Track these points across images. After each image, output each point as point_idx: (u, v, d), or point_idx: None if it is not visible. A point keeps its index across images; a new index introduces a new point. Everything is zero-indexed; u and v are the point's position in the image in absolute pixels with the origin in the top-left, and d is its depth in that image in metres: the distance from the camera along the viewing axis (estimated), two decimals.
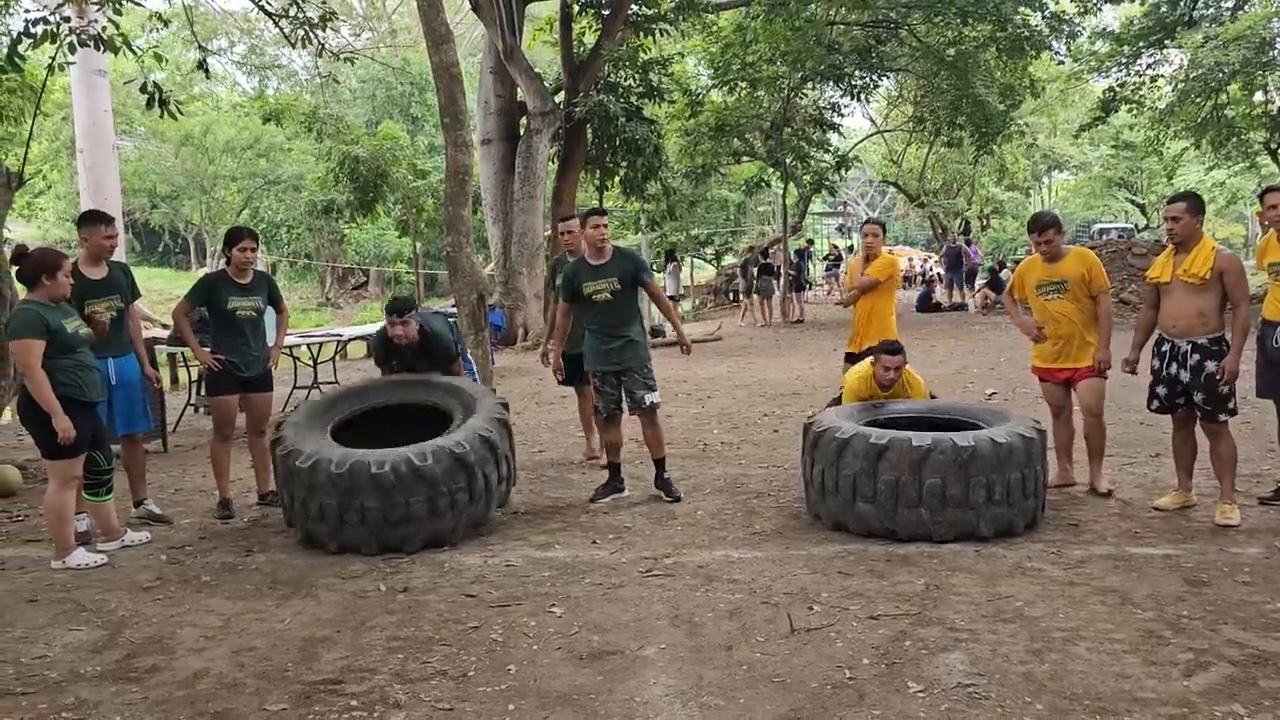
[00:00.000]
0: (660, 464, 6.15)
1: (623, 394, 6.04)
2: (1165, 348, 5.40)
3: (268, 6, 7.80)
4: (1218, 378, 5.16)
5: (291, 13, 7.95)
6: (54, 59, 6.82)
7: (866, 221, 7.66)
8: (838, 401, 6.25)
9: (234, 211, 34.96)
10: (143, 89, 6.47)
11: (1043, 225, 5.90)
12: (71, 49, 6.39)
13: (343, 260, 37.00)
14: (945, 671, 3.46)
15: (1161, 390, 5.44)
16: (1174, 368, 5.33)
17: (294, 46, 8.05)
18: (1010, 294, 6.32)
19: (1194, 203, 5.36)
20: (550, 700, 3.34)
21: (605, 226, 6.02)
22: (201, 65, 8.26)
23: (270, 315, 6.48)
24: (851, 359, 7.19)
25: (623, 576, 4.62)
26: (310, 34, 8.14)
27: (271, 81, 40.68)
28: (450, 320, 6.50)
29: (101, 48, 6.55)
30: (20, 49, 6.45)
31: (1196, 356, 5.22)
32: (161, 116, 6.63)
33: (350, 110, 30.96)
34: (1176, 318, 5.31)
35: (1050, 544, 4.91)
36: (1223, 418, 5.23)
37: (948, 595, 4.22)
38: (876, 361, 5.84)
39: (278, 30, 8.47)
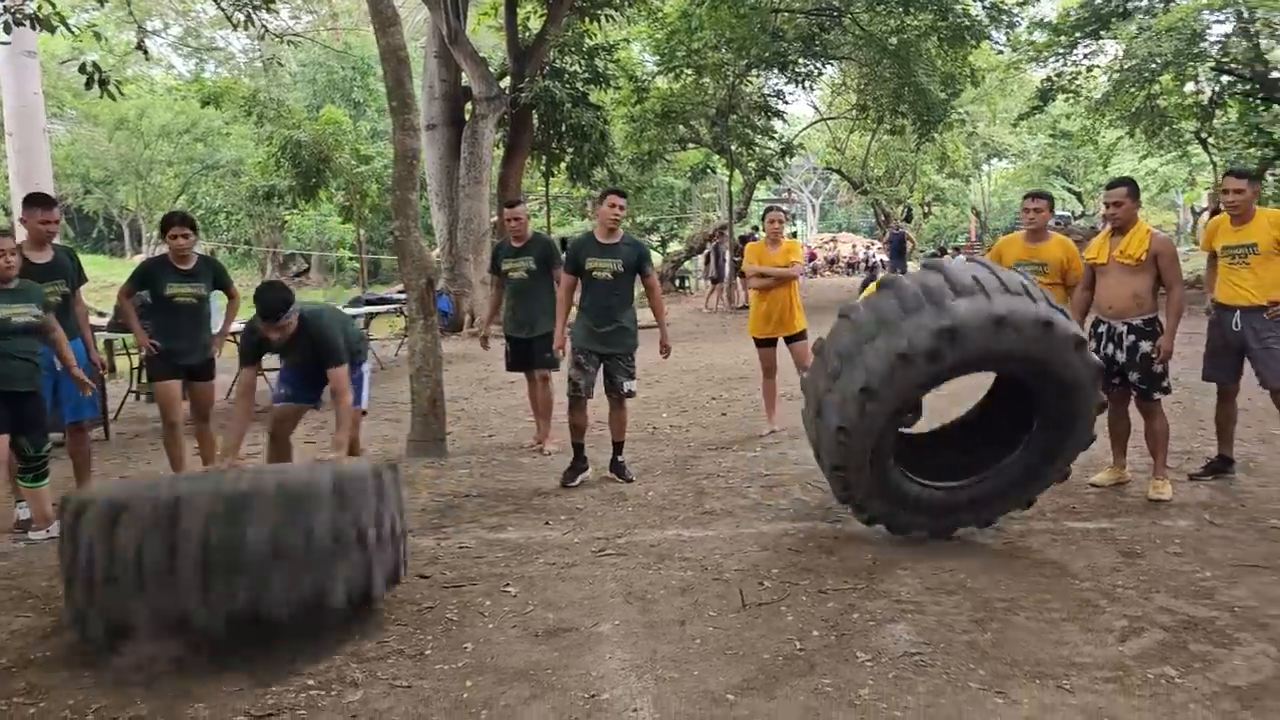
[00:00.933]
0: (619, 447, 6.18)
1: (601, 377, 6.02)
2: (1101, 329, 5.56)
3: None
4: (1153, 357, 5.34)
5: None
6: None
7: (770, 208, 7.78)
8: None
9: (170, 197, 34.20)
10: (81, 69, 6.33)
11: (1037, 194, 5.99)
12: (6, 29, 6.23)
13: (284, 246, 36.41)
14: (892, 641, 3.57)
15: None
16: (1110, 348, 5.49)
17: (235, 28, 7.92)
18: None
19: (1133, 187, 5.52)
20: (508, 676, 3.38)
21: (623, 207, 6.02)
22: (140, 46, 8.09)
23: (222, 300, 6.40)
24: (765, 344, 7.34)
25: (576, 556, 4.67)
26: (252, 15, 8.01)
27: (209, 65, 39.82)
28: (353, 325, 5.73)
29: (37, 27, 6.40)
30: None
31: (1132, 337, 5.39)
32: (101, 97, 6.49)
33: (290, 94, 30.42)
34: (1112, 299, 5.47)
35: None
36: (1156, 396, 5.41)
37: (893, 569, 4.34)
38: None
39: (215, 12, 8.34)
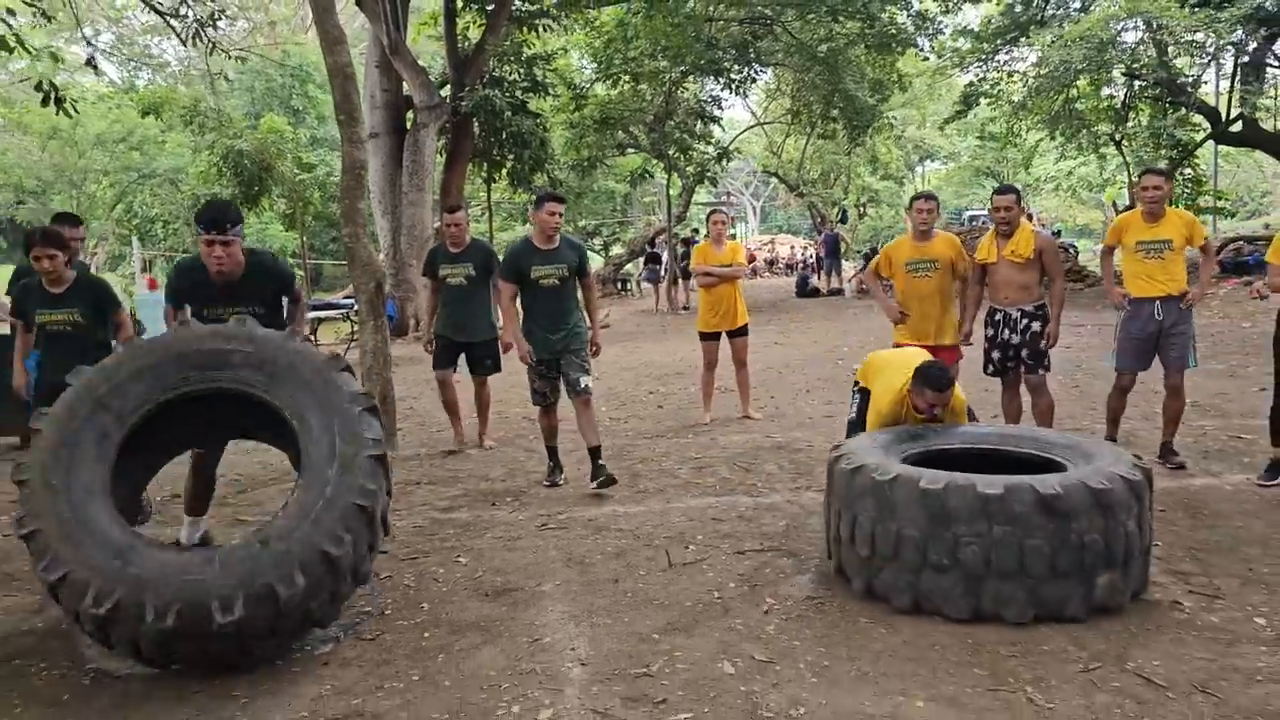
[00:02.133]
0: (596, 452, 5.95)
1: (558, 380, 6.01)
2: (998, 317, 6.17)
3: (158, 5, 7.98)
4: (1040, 335, 5.98)
5: (182, 11, 8.15)
6: None
7: (713, 210, 8.37)
8: (857, 422, 5.12)
9: (106, 207, 33.89)
10: (38, 86, 6.64)
11: (927, 195, 6.30)
12: None
13: None
14: (797, 590, 4.10)
15: (996, 355, 6.22)
16: (1006, 333, 6.12)
17: (185, 44, 8.25)
18: (875, 272, 6.57)
19: (1019, 193, 6.17)
20: (461, 627, 3.84)
21: (560, 214, 5.95)
22: (90, 62, 8.38)
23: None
24: (710, 338, 7.90)
25: (521, 531, 5.14)
26: (202, 31, 8.35)
27: (143, 73, 39.44)
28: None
29: None
30: None
31: (1025, 320, 6.04)
32: (58, 114, 6.80)
33: (228, 102, 30.37)
34: (1006, 291, 6.09)
35: None
36: (1041, 371, 6.05)
37: (804, 533, 4.87)
38: (919, 393, 4.62)
39: (147, 19, 8.61)
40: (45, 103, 6.70)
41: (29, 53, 6.59)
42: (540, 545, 4.87)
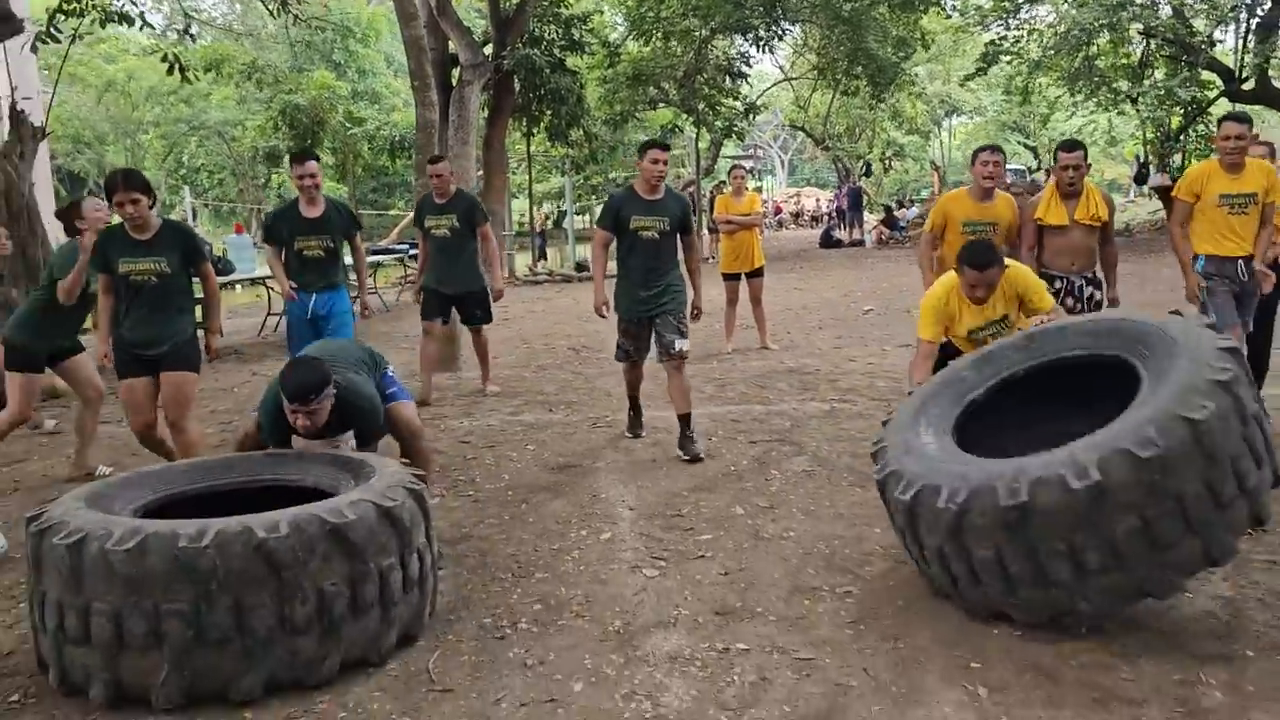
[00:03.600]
0: (685, 421, 5.62)
1: (651, 339, 5.79)
2: (1058, 285, 5.49)
3: None
4: (1101, 304, 5.58)
5: None
6: (76, 30, 8.09)
7: (734, 165, 9.48)
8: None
9: (157, 157, 35.28)
10: (164, 58, 7.78)
11: (993, 147, 5.63)
12: (103, 25, 7.68)
13: (267, 204, 37.55)
14: (795, 466, 5.28)
15: None
16: (1069, 301, 5.50)
17: (274, 15, 9.37)
18: (930, 232, 5.79)
19: (1086, 149, 5.56)
20: (535, 488, 5.05)
21: (665, 162, 5.56)
22: (186, 31, 9.52)
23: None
24: (731, 278, 9.05)
25: (575, 429, 6.35)
26: (285, 3, 9.46)
27: (192, 28, 40.54)
28: (374, 357, 4.61)
29: (121, 23, 7.85)
30: (55, 23, 7.73)
31: (1090, 289, 5.57)
32: (183, 83, 7.95)
33: (270, 56, 31.44)
34: (1074, 257, 5.50)
35: (883, 401, 6.74)
36: None
37: (805, 429, 6.04)
38: (961, 274, 4.52)
39: None
40: (170, 71, 7.85)
41: (151, 27, 7.73)
42: (592, 438, 6.08)
